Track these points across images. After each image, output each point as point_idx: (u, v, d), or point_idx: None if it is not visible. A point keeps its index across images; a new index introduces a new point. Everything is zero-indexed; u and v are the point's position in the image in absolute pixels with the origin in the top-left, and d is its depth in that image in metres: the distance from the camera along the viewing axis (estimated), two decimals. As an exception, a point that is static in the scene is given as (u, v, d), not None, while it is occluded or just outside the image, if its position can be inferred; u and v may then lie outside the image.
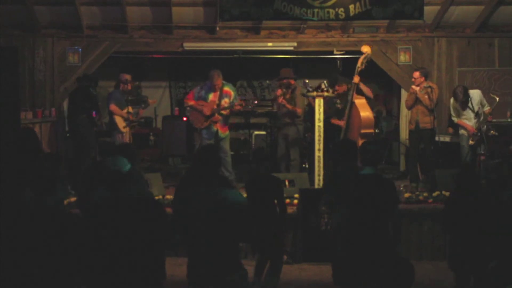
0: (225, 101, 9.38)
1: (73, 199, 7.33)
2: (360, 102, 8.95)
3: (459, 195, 5.60)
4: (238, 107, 9.45)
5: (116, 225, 4.35)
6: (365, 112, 8.87)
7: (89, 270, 4.46)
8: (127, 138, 9.47)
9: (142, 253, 4.33)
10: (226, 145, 9.51)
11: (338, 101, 9.33)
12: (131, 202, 4.41)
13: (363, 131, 8.74)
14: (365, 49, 8.96)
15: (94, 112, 9.68)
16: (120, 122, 9.60)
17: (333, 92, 9.21)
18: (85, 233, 4.44)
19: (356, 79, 8.89)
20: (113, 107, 9.63)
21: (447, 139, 9.94)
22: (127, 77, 9.81)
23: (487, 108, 9.26)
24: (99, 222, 4.42)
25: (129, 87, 9.86)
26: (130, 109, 9.65)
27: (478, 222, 5.36)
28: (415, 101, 9.36)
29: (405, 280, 4.37)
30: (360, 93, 9.12)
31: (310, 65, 12.34)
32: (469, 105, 9.21)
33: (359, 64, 8.87)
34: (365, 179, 5.36)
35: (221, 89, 9.39)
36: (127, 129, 9.58)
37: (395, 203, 5.51)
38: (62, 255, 4.35)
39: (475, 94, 9.37)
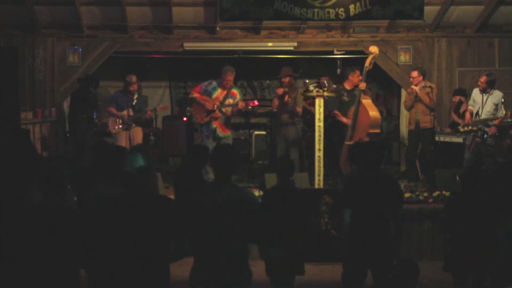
0: (229, 102, 9.37)
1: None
2: (367, 102, 8.94)
3: (462, 195, 5.59)
4: (241, 104, 9.31)
5: (124, 223, 4.35)
6: (374, 112, 8.87)
7: (95, 268, 4.47)
8: (122, 141, 9.34)
9: (149, 254, 4.33)
10: None
11: (345, 93, 9.26)
12: (142, 200, 4.41)
13: (370, 130, 8.74)
14: (373, 49, 8.91)
15: (94, 113, 9.66)
16: (112, 124, 9.55)
17: (348, 85, 9.16)
18: (90, 232, 4.46)
19: (362, 85, 8.86)
20: (109, 109, 9.67)
21: (447, 139, 9.94)
22: (132, 78, 9.69)
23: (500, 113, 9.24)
24: (103, 219, 4.42)
25: (135, 88, 9.70)
26: (130, 111, 9.55)
27: (480, 222, 5.36)
28: (414, 101, 9.36)
29: (409, 281, 4.37)
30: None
31: (310, 65, 12.33)
32: (484, 101, 9.24)
33: (367, 64, 8.84)
34: (370, 179, 5.35)
35: (229, 89, 9.38)
36: (118, 130, 9.50)
37: (399, 205, 5.50)
38: (69, 254, 4.37)
39: (497, 94, 9.33)
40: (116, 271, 4.36)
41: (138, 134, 9.60)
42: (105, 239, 4.40)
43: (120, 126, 9.55)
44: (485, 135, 8.90)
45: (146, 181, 4.49)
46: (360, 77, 9.14)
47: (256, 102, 9.74)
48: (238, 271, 4.43)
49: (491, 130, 9.01)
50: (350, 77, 9.30)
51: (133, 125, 9.61)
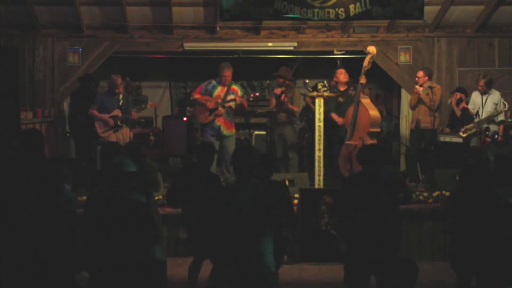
0: (230, 98, 9.35)
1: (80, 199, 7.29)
2: (366, 101, 8.93)
3: (462, 193, 5.59)
4: (240, 100, 9.23)
5: (108, 224, 4.34)
6: (374, 111, 8.85)
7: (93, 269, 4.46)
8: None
9: (133, 254, 4.31)
10: (231, 145, 9.33)
11: (340, 94, 9.29)
12: (122, 203, 4.39)
13: (371, 130, 8.73)
14: (371, 49, 8.94)
15: None
16: (100, 128, 9.40)
17: (335, 86, 9.23)
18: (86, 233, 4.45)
19: (362, 80, 8.87)
20: (92, 111, 9.42)
21: (447, 139, 9.95)
22: (117, 79, 9.49)
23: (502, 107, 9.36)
24: (94, 220, 4.42)
25: (120, 89, 9.48)
26: (119, 112, 9.40)
27: (481, 221, 5.35)
28: (418, 101, 9.38)
29: (409, 280, 4.37)
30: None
31: (310, 65, 12.32)
32: (483, 101, 9.30)
33: (365, 64, 8.85)
34: (368, 178, 5.37)
35: (229, 86, 9.36)
36: (110, 133, 9.41)
37: (396, 203, 5.51)
38: (64, 256, 4.36)
39: (496, 94, 9.42)
40: (110, 271, 4.34)
41: (126, 135, 9.46)
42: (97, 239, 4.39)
43: (108, 128, 9.44)
44: (496, 136, 8.93)
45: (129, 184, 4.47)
46: (343, 74, 9.32)
47: (257, 94, 9.94)
48: (263, 271, 4.41)
49: (500, 131, 9.12)
50: (336, 80, 9.45)
51: (124, 126, 9.46)
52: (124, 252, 4.26)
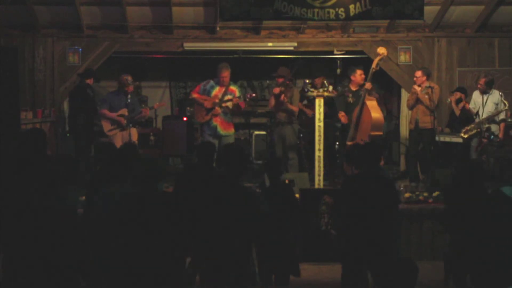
0: (228, 98, 9.36)
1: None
2: (371, 103, 8.84)
3: (459, 193, 5.60)
4: (236, 100, 9.25)
5: (137, 222, 4.34)
6: (376, 114, 8.74)
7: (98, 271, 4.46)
8: (118, 142, 9.20)
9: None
10: None
11: (350, 95, 9.24)
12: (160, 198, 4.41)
13: (372, 133, 8.65)
14: (381, 50, 8.84)
15: (94, 111, 9.62)
16: (106, 126, 9.40)
17: (347, 86, 9.22)
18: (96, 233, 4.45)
19: (368, 85, 8.81)
20: (102, 111, 9.43)
21: (447, 139, 9.95)
22: (128, 78, 9.48)
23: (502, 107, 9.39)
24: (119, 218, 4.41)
25: (131, 89, 9.50)
26: (125, 111, 9.39)
27: (479, 221, 5.35)
28: (416, 101, 9.37)
29: (409, 280, 4.36)
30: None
31: (310, 65, 12.33)
32: (484, 101, 9.34)
33: (373, 65, 8.78)
34: (365, 179, 5.37)
35: (227, 87, 9.37)
36: (116, 132, 9.41)
37: (395, 203, 5.51)
38: (67, 257, 4.36)
39: (496, 93, 9.44)
40: (122, 272, 4.34)
41: (133, 134, 9.46)
42: (116, 239, 4.38)
43: (115, 126, 9.46)
44: (492, 136, 8.93)
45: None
46: (363, 75, 9.16)
47: (253, 94, 9.94)
48: (240, 270, 4.42)
49: (501, 130, 9.12)
50: (352, 78, 9.29)
51: (131, 125, 9.45)
52: (160, 248, 4.28)
